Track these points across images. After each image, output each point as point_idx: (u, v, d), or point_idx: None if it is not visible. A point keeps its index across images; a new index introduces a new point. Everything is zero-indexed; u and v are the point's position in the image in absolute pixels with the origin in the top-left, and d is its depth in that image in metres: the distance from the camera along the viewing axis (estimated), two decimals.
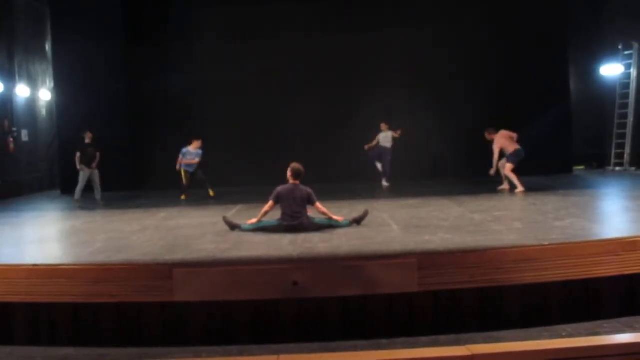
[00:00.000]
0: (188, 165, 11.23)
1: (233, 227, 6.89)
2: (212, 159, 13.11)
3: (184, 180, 11.29)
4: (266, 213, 6.76)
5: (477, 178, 12.04)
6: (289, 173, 6.74)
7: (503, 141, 10.25)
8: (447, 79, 13.32)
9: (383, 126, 12.50)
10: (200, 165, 11.20)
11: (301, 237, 6.27)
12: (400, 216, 7.60)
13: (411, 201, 9.29)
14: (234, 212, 8.64)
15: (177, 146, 13.47)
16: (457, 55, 13.15)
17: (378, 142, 12.43)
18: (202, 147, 11.22)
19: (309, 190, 6.71)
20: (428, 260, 5.12)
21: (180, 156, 11.23)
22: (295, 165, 6.76)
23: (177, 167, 11.25)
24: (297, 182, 6.74)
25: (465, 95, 13.29)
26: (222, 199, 10.93)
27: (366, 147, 12.56)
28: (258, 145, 13.12)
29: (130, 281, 5.09)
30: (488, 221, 6.86)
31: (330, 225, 6.77)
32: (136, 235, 6.90)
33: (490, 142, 10.32)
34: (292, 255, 5.35)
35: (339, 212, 7.67)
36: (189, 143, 11.21)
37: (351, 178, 13.37)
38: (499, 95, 13.03)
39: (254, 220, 6.82)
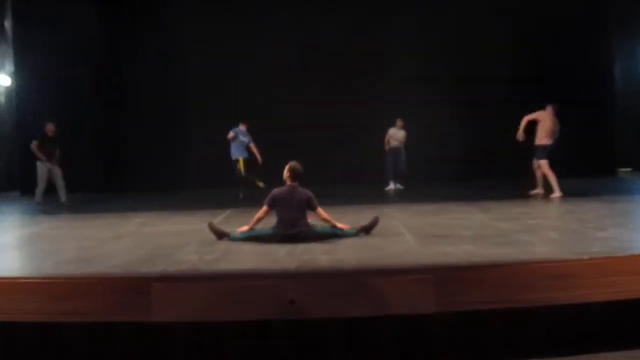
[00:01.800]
0: (242, 148, 11.37)
1: (221, 235, 6.90)
2: (197, 157, 13.22)
3: (242, 171, 11.34)
4: (260, 220, 6.78)
5: (505, 180, 12.06)
6: (286, 173, 6.75)
7: (546, 123, 10.05)
8: (471, 67, 13.39)
9: (399, 123, 12.61)
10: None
11: (300, 248, 6.29)
12: (415, 224, 7.62)
13: (428, 207, 9.33)
14: (222, 219, 8.65)
15: (155, 141, 13.63)
16: (482, 41, 13.23)
17: (389, 141, 12.53)
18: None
19: (310, 193, 6.73)
20: (447, 276, 5.13)
21: (233, 134, 11.35)
22: (293, 164, 6.77)
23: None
24: (296, 184, 6.75)
25: (491, 86, 13.36)
26: (208, 203, 10.95)
27: (387, 147, 12.66)
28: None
29: (101, 297, 5.09)
30: (517, 231, 6.87)
31: (334, 235, 6.79)
32: (108, 244, 6.93)
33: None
34: (289, 269, 5.37)
35: (344, 219, 7.66)
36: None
37: (358, 180, 13.45)
38: (530, 86, 13.07)
39: (245, 228, 6.84)
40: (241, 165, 11.53)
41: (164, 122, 13.81)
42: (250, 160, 11.64)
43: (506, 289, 5.10)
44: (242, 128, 11.64)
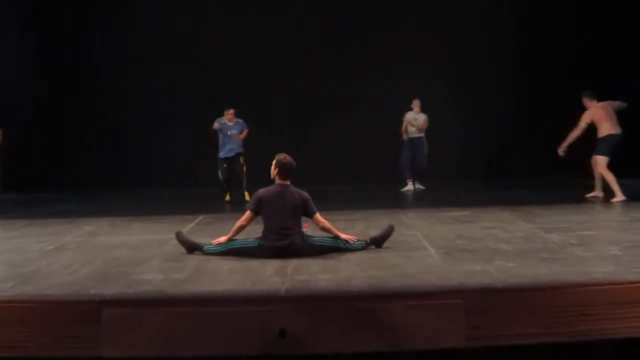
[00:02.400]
0: (228, 147, 11.46)
1: (191, 248, 6.88)
2: (162, 149, 13.26)
3: (221, 174, 11.49)
4: (241, 228, 6.75)
5: (553, 180, 12.06)
6: (273, 169, 6.72)
7: (599, 115, 10.24)
8: (504, 47, 13.65)
9: (416, 104, 12.60)
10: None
11: (292, 264, 6.25)
12: (439, 235, 7.59)
13: (455, 213, 9.32)
14: (192, 226, 8.61)
15: (108, 131, 13.69)
16: (513, 18, 13.66)
17: (407, 129, 12.56)
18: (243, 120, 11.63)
19: (305, 194, 6.70)
20: (480, 300, 5.10)
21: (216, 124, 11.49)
22: (281, 156, 6.73)
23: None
24: (287, 182, 6.72)
25: (532, 69, 13.57)
26: (176, 206, 10.93)
27: (404, 136, 12.71)
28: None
29: (39, 326, 5.05)
30: (570, 244, 6.85)
31: (336, 248, 6.75)
32: (49, 257, 6.88)
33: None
34: (278, 292, 5.33)
35: (350, 228, 7.64)
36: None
37: (366, 179, 13.48)
38: (577, 66, 13.24)
39: (222, 239, 6.81)
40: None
41: (123, 108, 13.84)
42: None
43: (557, 318, 5.08)
44: (227, 116, 11.52)
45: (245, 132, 11.58)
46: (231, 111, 11.52)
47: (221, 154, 11.50)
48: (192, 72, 13.80)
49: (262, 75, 13.86)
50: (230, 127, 11.50)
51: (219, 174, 11.49)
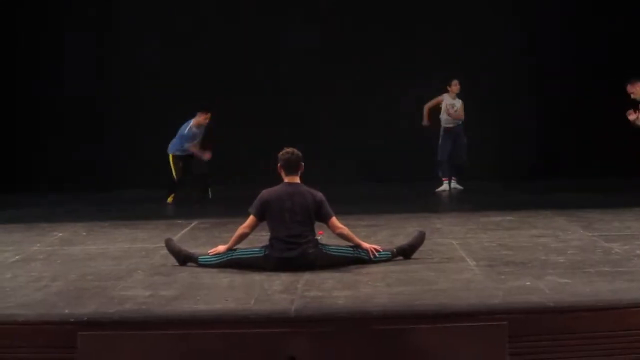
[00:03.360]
0: (182, 147, 11.78)
1: (184, 258, 6.91)
2: (146, 143, 13.36)
3: (174, 172, 11.79)
4: (243, 236, 6.77)
5: (615, 180, 12.02)
6: (279, 165, 6.76)
7: None
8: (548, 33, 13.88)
9: (455, 86, 12.53)
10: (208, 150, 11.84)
11: (304, 279, 6.27)
12: (479, 244, 7.60)
13: (498, 217, 9.32)
14: (185, 233, 8.64)
15: (84, 125, 13.83)
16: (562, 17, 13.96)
17: (444, 116, 12.51)
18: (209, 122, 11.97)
19: (320, 195, 6.71)
20: (528, 323, 5.10)
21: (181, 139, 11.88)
22: (288, 151, 6.77)
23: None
24: (296, 180, 6.74)
25: (574, 60, 13.77)
26: (165, 209, 10.97)
27: (425, 121, 12.67)
28: (229, 122, 13.29)
29: (2, 352, 5.08)
30: (637, 256, 6.84)
31: (356, 259, 6.77)
32: (13, 270, 6.91)
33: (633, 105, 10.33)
34: (287, 312, 5.34)
35: (373, 236, 7.65)
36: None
37: (392, 177, 13.48)
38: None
39: (221, 249, 6.84)
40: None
41: (99, 95, 13.98)
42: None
43: (622, 343, 5.07)
44: (193, 122, 11.76)
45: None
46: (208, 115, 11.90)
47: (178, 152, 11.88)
48: (181, 64, 13.94)
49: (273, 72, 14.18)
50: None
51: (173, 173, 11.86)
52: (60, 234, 8.86)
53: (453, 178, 12.75)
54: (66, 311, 5.43)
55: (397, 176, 13.53)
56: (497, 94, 13.83)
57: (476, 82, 13.43)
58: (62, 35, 14.13)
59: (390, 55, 14.05)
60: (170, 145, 11.92)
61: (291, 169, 6.72)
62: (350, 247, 6.80)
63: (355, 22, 14.22)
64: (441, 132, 12.71)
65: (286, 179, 6.74)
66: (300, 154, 6.77)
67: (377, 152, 13.75)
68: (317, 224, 6.75)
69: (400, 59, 13.98)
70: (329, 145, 13.47)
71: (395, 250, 6.96)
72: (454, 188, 12.73)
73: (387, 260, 6.84)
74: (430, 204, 11.36)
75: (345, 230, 6.77)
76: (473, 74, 13.46)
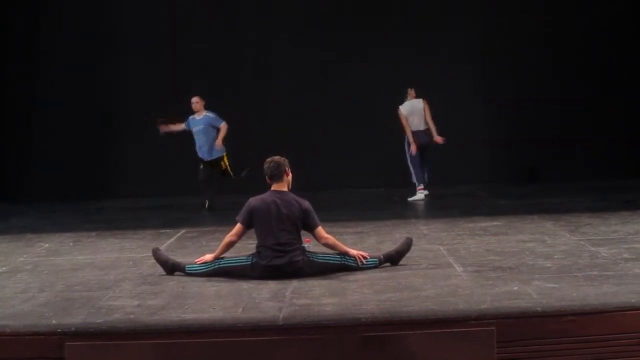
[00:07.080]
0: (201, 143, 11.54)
1: (171, 268, 6.89)
2: (132, 151, 13.33)
3: (230, 170, 11.58)
4: (231, 244, 6.76)
5: (604, 184, 12.05)
6: (264, 173, 6.76)
7: None
8: (537, 31, 13.98)
9: (411, 92, 12.24)
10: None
11: (292, 286, 6.26)
12: (467, 250, 7.60)
13: (486, 223, 9.32)
14: (172, 242, 8.62)
15: (71, 135, 13.79)
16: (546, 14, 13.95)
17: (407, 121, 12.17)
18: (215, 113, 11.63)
19: (306, 204, 6.71)
20: (517, 328, 5.11)
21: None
22: (273, 159, 6.77)
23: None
24: (283, 188, 6.74)
25: (563, 61, 13.79)
26: (151, 218, 10.93)
27: (408, 132, 12.34)
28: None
29: None
30: (624, 260, 6.84)
31: (343, 266, 6.77)
32: (0, 281, 6.89)
33: None
34: (275, 320, 5.33)
35: (360, 242, 7.63)
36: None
37: (379, 182, 13.47)
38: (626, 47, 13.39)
39: (208, 257, 6.82)
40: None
41: (84, 103, 13.96)
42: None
43: (605, 348, 5.08)
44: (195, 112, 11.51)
45: (222, 133, 11.46)
46: (195, 99, 11.49)
47: (199, 154, 11.60)
48: (170, 72, 13.90)
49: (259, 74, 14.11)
50: (195, 122, 11.51)
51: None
52: (47, 245, 8.83)
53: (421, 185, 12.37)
54: (54, 322, 5.41)
55: (380, 182, 13.52)
56: (484, 100, 13.84)
57: (467, 86, 13.53)
58: (54, 46, 14.05)
59: (378, 63, 14.04)
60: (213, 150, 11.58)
61: (276, 177, 6.72)
62: (338, 254, 6.78)
63: (355, 22, 14.14)
64: (412, 137, 12.26)
65: (273, 187, 6.74)
66: (284, 161, 6.76)
67: (362, 159, 13.73)
68: (304, 232, 6.74)
69: (391, 67, 13.96)
70: (316, 151, 13.45)
71: (382, 257, 6.95)
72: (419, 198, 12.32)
73: (374, 267, 6.83)
74: (416, 210, 11.32)
75: (330, 239, 6.76)
76: (465, 79, 13.55)
